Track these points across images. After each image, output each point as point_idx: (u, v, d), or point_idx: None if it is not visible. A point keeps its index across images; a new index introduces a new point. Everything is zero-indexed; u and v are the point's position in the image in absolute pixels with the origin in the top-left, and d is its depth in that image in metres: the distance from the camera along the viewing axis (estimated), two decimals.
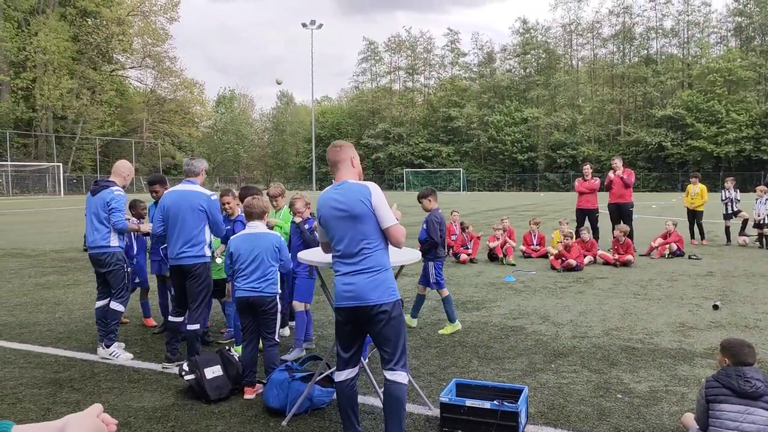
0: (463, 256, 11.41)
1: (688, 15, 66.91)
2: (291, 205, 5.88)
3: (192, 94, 70.39)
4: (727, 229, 14.32)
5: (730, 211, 14.35)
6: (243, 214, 5.22)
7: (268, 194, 6.13)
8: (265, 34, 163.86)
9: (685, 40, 67.60)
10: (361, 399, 4.47)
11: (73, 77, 57.48)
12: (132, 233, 6.49)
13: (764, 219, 13.41)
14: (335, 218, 3.41)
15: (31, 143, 58.71)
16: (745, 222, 14.25)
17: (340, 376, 3.53)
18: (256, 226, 4.74)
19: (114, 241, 5.53)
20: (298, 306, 5.62)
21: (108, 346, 5.46)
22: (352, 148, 3.66)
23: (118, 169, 5.72)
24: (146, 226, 5.99)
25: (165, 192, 5.32)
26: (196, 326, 5.12)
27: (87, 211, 5.64)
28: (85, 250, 5.66)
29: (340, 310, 3.45)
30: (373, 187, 3.42)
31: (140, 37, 64.91)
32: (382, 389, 3.47)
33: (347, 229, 3.37)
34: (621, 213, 12.21)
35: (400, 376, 3.39)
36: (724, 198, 14.49)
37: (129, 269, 5.77)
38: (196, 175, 5.26)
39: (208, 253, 5.22)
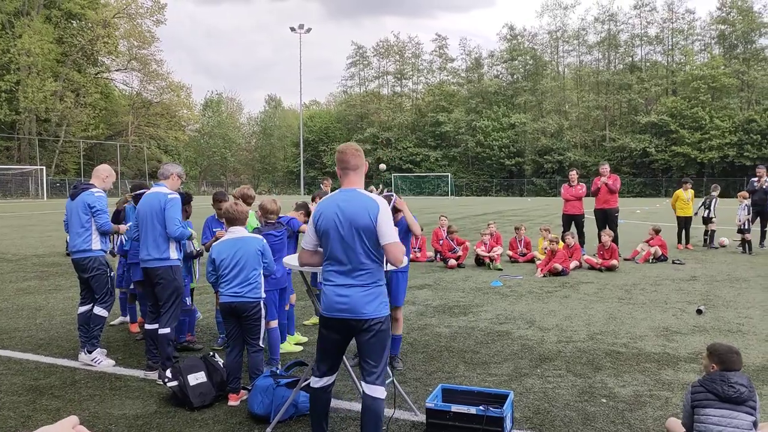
0: (452, 262, 11.43)
1: (672, 23, 67.73)
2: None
3: (179, 98, 69.86)
4: (706, 232, 14.72)
5: (708, 215, 14.66)
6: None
7: (233, 195, 6.09)
8: (253, 37, 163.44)
9: (670, 47, 68.37)
10: (347, 405, 4.45)
11: (57, 80, 56.89)
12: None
13: (745, 224, 13.60)
14: (336, 227, 3.29)
15: (14, 146, 57.98)
16: (712, 232, 14.65)
17: (318, 382, 3.50)
18: (237, 231, 4.71)
19: (96, 244, 5.46)
20: (271, 323, 5.46)
21: (90, 352, 5.38)
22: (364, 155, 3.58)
23: (97, 172, 5.68)
24: (124, 227, 6.02)
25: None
26: (167, 330, 5.03)
27: (68, 216, 5.57)
28: (68, 254, 5.59)
29: (329, 320, 3.37)
30: (382, 203, 3.31)
31: (126, 40, 64.37)
32: (361, 402, 3.43)
33: (348, 240, 3.27)
34: (607, 218, 12.34)
35: (379, 391, 3.36)
36: (708, 203, 14.76)
37: (112, 274, 5.70)
38: (165, 178, 5.22)
39: (174, 255, 5.12)
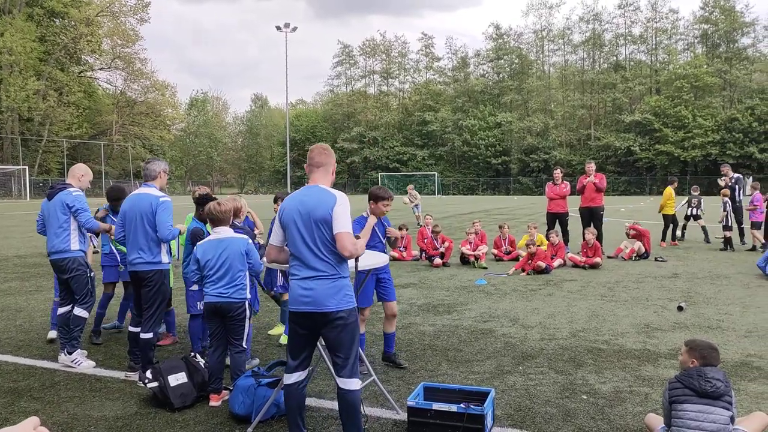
0: (437, 260, 11.45)
1: (656, 22, 68.38)
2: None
3: (163, 97, 69.27)
4: (684, 227, 15.72)
5: (696, 213, 15.26)
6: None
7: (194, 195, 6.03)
8: (239, 36, 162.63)
9: (653, 46, 69.04)
10: (330, 404, 4.44)
11: (40, 78, 56.18)
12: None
13: (723, 220, 13.81)
14: (297, 221, 3.40)
15: None
16: (704, 228, 15.33)
17: (290, 378, 3.55)
18: (222, 231, 4.68)
19: (75, 245, 5.39)
20: None
21: (70, 353, 5.32)
22: (334, 156, 3.69)
23: (72, 171, 5.62)
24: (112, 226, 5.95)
25: (126, 197, 5.22)
26: (149, 335, 4.98)
27: (45, 217, 5.47)
28: (49, 255, 5.50)
29: (295, 315, 3.44)
30: (341, 196, 3.41)
31: (110, 38, 63.69)
32: (336, 396, 3.50)
33: (307, 233, 3.37)
34: (592, 216, 12.44)
35: (353, 383, 3.44)
36: (696, 202, 15.50)
37: (92, 274, 5.65)
38: (153, 179, 5.14)
39: (165, 259, 5.08)
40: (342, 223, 3.34)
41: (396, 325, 5.51)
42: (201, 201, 5.66)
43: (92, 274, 5.63)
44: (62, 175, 55.52)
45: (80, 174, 5.60)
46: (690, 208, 15.34)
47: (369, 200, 5.17)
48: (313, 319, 3.38)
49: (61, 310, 5.54)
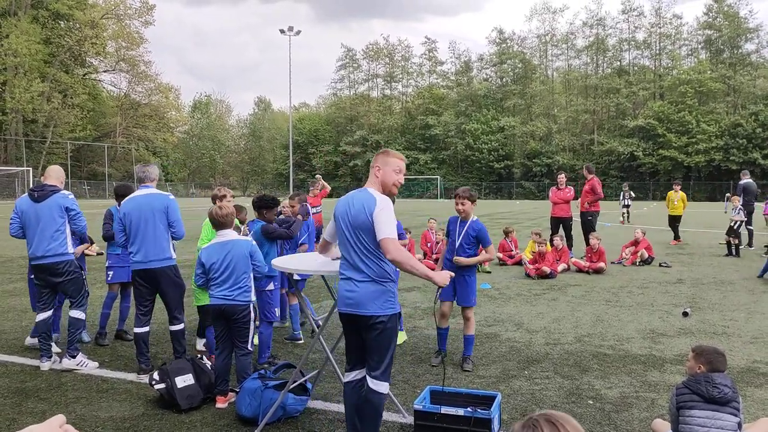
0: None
1: (659, 27, 68.46)
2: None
3: (167, 99, 69.59)
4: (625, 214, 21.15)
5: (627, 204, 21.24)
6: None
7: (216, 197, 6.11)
8: (241, 39, 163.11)
9: (657, 51, 69.09)
10: (336, 407, 4.45)
11: (45, 80, 56.43)
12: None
13: (735, 224, 13.77)
14: (343, 223, 3.45)
15: (0, 147, 57.40)
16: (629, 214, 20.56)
17: (347, 377, 3.60)
18: (226, 234, 4.70)
19: (70, 248, 5.44)
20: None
21: (73, 356, 5.29)
22: (388, 158, 3.56)
23: (56, 174, 5.52)
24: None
25: (123, 200, 5.27)
26: (181, 326, 5.22)
27: (32, 219, 5.28)
28: (39, 259, 5.40)
29: (341, 315, 3.50)
30: (381, 199, 3.36)
31: (114, 41, 64.06)
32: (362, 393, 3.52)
33: (351, 236, 3.40)
34: (583, 221, 12.48)
35: (383, 387, 3.43)
36: (626, 195, 21.98)
37: (85, 275, 5.70)
38: (152, 180, 5.32)
39: (174, 255, 5.25)
40: (384, 229, 3.27)
41: (473, 329, 5.57)
42: (260, 204, 5.86)
43: (85, 275, 5.68)
44: (66, 177, 55.61)
45: (63, 176, 5.61)
46: (624, 200, 22.56)
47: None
48: (356, 321, 3.41)
49: (42, 316, 5.40)
